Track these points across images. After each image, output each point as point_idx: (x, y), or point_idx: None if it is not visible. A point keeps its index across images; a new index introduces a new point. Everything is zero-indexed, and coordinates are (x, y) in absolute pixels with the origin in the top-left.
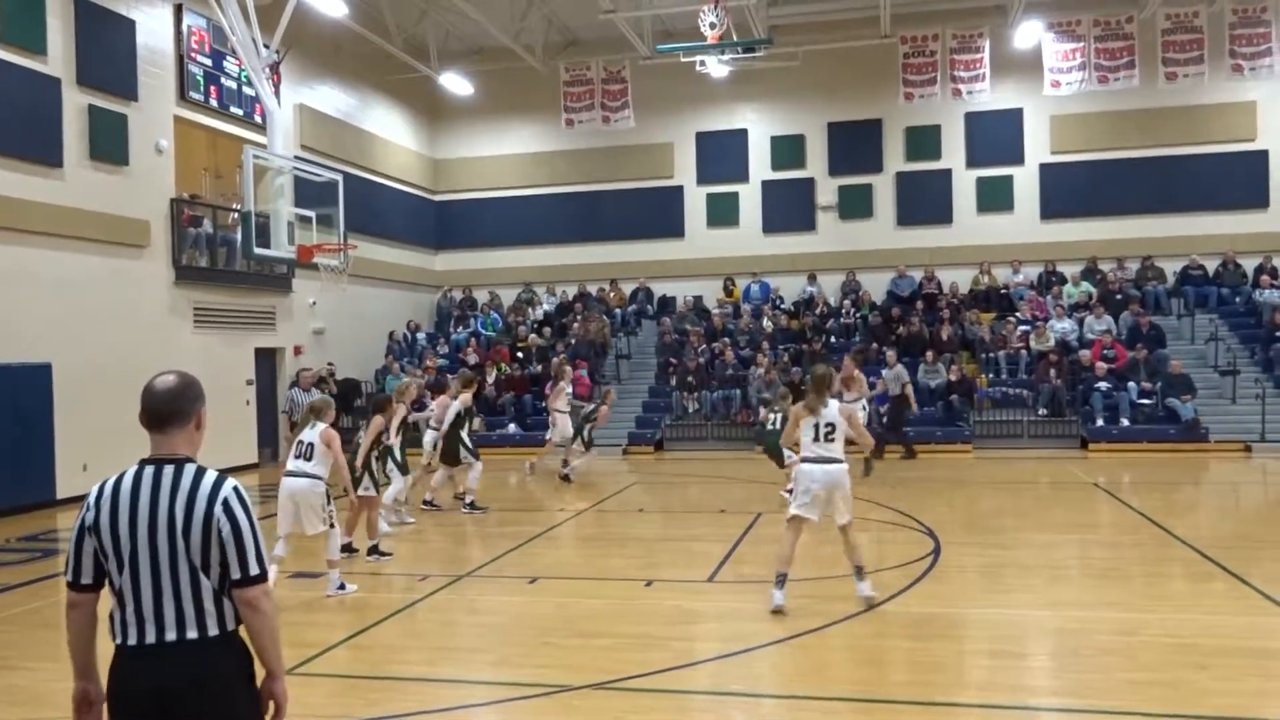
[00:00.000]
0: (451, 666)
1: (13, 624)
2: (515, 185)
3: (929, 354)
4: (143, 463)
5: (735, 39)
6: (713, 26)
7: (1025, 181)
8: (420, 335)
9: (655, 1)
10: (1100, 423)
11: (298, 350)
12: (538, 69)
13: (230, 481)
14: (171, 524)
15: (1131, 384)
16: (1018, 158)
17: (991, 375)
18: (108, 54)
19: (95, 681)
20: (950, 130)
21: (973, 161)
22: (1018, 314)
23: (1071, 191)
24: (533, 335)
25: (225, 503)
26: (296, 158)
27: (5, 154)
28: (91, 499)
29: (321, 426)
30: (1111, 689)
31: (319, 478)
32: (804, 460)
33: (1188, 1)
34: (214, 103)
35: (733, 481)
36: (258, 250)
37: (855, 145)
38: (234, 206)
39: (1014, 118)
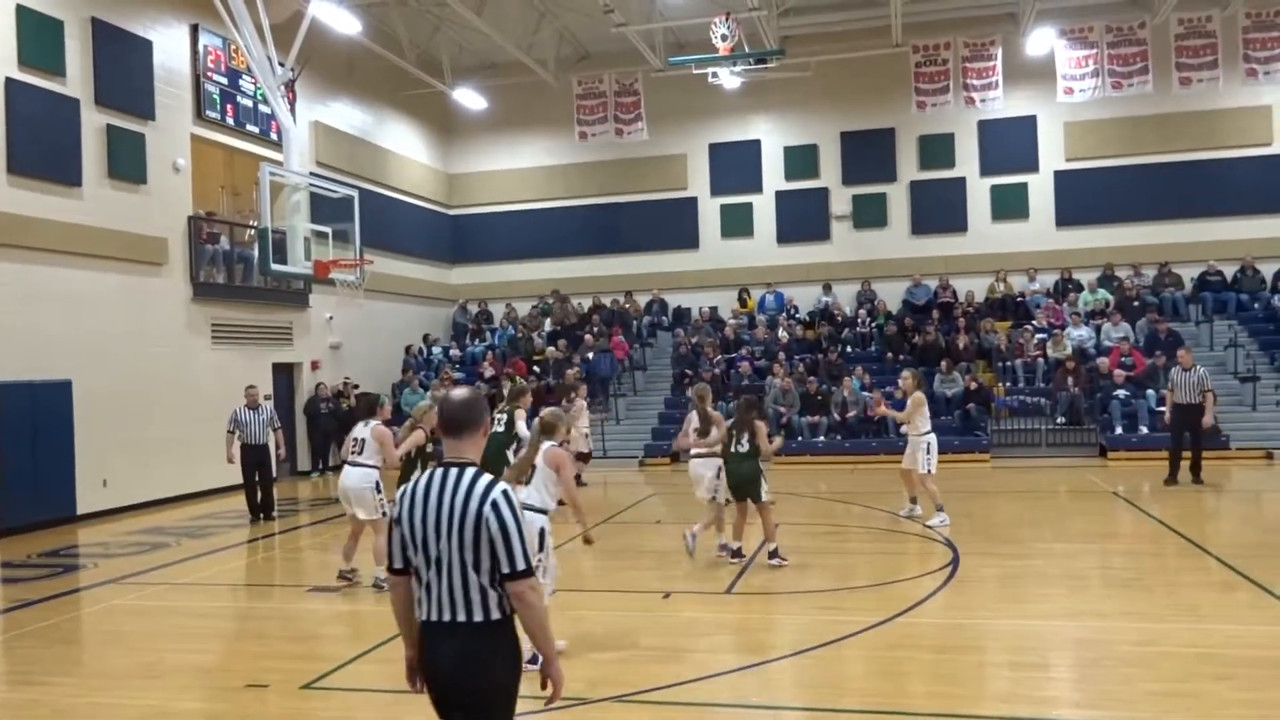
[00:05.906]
0: None
1: (32, 639)
2: (530, 198)
3: (945, 363)
4: (440, 465)
5: (747, 50)
6: (724, 38)
7: (1040, 189)
8: (436, 349)
9: (667, 14)
10: (1119, 430)
11: (315, 365)
12: (550, 83)
13: (500, 485)
14: (451, 520)
15: (1150, 391)
16: (1032, 165)
17: (1009, 384)
18: (125, 74)
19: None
20: (964, 138)
21: (987, 169)
22: (1034, 322)
23: (1087, 198)
24: (549, 348)
25: (494, 504)
26: (312, 174)
27: (27, 174)
28: (398, 494)
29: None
30: (1134, 700)
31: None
32: None
33: (1200, 6)
34: (230, 121)
35: None
36: (275, 266)
37: (868, 154)
38: (251, 223)
39: (1028, 125)
